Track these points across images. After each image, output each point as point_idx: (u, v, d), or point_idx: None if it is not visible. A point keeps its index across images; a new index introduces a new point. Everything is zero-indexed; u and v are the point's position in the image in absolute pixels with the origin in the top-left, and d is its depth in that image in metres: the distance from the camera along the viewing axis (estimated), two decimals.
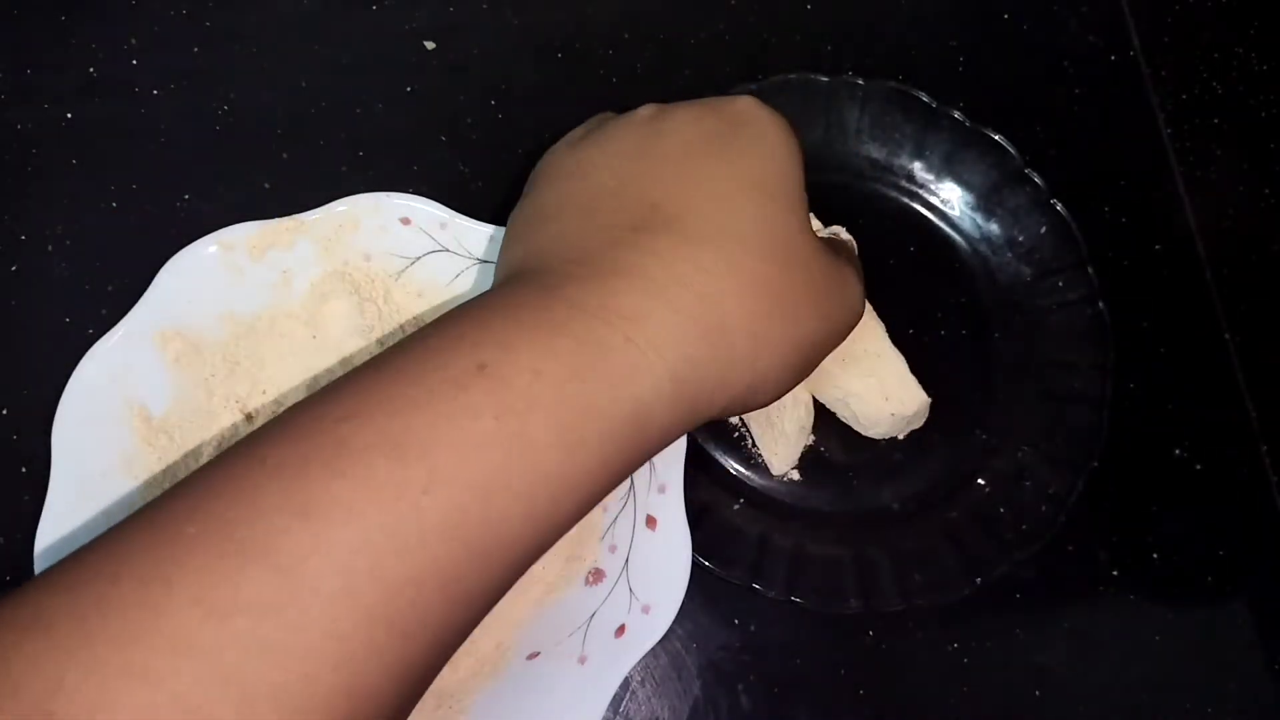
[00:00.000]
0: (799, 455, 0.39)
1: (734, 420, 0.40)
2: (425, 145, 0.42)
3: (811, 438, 0.39)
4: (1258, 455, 0.42)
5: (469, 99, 0.42)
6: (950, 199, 0.42)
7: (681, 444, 0.35)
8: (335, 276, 0.36)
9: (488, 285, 0.36)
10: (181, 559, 0.20)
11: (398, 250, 0.36)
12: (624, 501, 0.35)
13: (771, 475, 0.39)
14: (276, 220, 0.35)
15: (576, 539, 0.35)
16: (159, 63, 0.41)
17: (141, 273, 0.34)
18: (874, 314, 0.39)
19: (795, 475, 0.39)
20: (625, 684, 0.37)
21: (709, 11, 0.45)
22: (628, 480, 0.35)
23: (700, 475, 0.38)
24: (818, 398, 0.39)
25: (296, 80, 0.42)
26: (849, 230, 0.40)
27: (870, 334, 0.39)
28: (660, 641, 0.33)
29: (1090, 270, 0.40)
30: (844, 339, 0.30)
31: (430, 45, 0.43)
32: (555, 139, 0.33)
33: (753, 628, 0.38)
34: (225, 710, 0.19)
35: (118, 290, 0.38)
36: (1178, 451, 0.42)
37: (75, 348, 0.33)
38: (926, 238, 0.42)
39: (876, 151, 0.43)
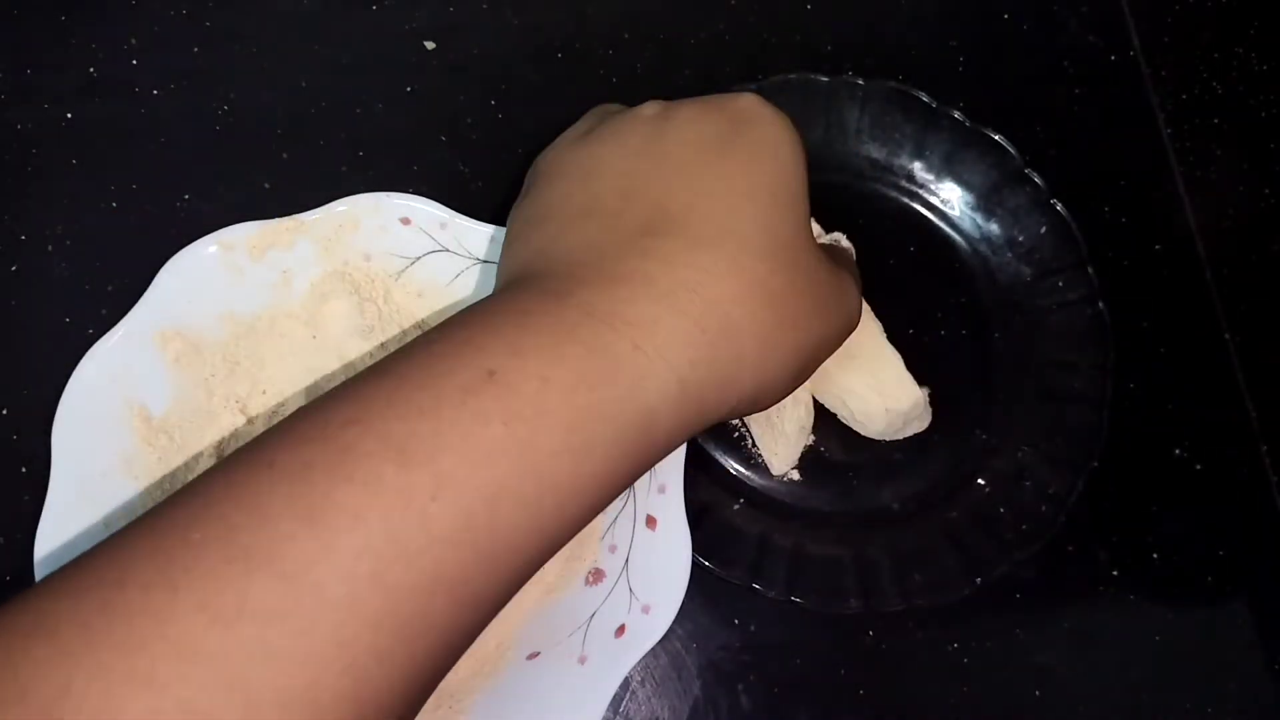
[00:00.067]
0: (799, 455, 0.39)
1: (734, 420, 0.40)
2: (425, 145, 0.42)
3: (811, 438, 0.39)
4: (1258, 455, 0.42)
5: (469, 99, 0.43)
6: (950, 199, 0.42)
7: (682, 444, 0.35)
8: (335, 276, 0.36)
9: (488, 285, 0.36)
10: (186, 565, 0.20)
11: (398, 250, 0.36)
12: (624, 501, 0.35)
13: (771, 475, 0.39)
14: (276, 220, 0.35)
15: (576, 538, 0.35)
16: (159, 63, 0.41)
17: (141, 273, 0.34)
18: (870, 312, 0.39)
19: (795, 475, 0.39)
20: (625, 684, 0.37)
21: (709, 11, 0.45)
22: None
23: (700, 475, 0.38)
24: (817, 397, 0.39)
25: (296, 80, 0.42)
26: (849, 230, 0.40)
27: (866, 332, 0.39)
28: (660, 641, 0.33)
29: (1090, 270, 0.40)
30: (841, 344, 0.30)
31: (430, 45, 0.43)
32: (555, 139, 0.33)
33: (753, 628, 0.38)
34: (231, 716, 0.19)
35: (118, 290, 0.38)
36: (1178, 451, 0.42)
37: (75, 348, 0.33)
38: (926, 238, 0.42)
39: (876, 151, 0.43)
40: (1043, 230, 0.41)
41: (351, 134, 0.41)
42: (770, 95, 0.41)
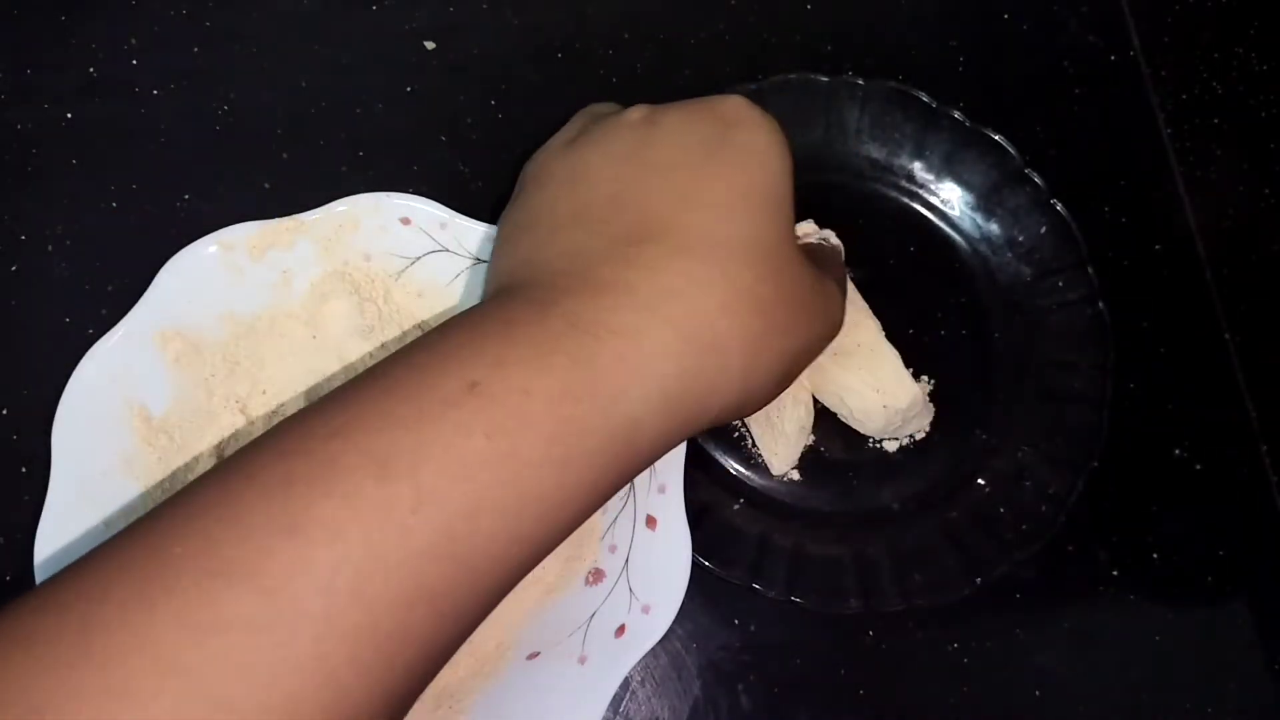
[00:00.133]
0: (799, 455, 0.39)
1: (731, 421, 0.40)
2: (425, 145, 0.42)
3: (811, 438, 0.39)
4: (1258, 455, 0.42)
5: (469, 99, 0.43)
6: (950, 199, 0.42)
7: (681, 444, 0.35)
8: (335, 276, 0.36)
9: None
10: (166, 579, 0.20)
11: (398, 250, 0.36)
12: (624, 501, 0.35)
13: (771, 475, 0.39)
14: (276, 220, 0.35)
15: (576, 539, 0.35)
16: (159, 63, 0.41)
17: (141, 273, 0.34)
18: (868, 309, 0.39)
19: (795, 475, 0.39)
20: (625, 684, 0.37)
21: (709, 11, 0.45)
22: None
23: (700, 475, 0.38)
24: (817, 396, 0.39)
25: (296, 80, 0.42)
26: (849, 230, 0.40)
27: (864, 329, 0.39)
28: (660, 641, 0.33)
29: (1090, 270, 0.40)
30: (823, 349, 0.30)
31: (430, 45, 0.43)
32: (546, 141, 0.33)
33: (753, 628, 0.38)
34: None
35: (118, 290, 0.38)
36: (1178, 451, 0.42)
37: (75, 348, 0.33)
38: (926, 238, 0.42)
39: (876, 151, 0.43)
40: (1043, 230, 0.41)
41: (351, 134, 0.41)
42: (770, 95, 0.42)
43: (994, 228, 0.42)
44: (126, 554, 0.21)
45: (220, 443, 0.35)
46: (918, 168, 0.43)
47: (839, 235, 0.40)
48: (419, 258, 0.36)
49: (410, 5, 0.43)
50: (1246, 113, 0.46)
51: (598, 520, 0.35)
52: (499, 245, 0.30)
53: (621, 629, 0.34)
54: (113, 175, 0.40)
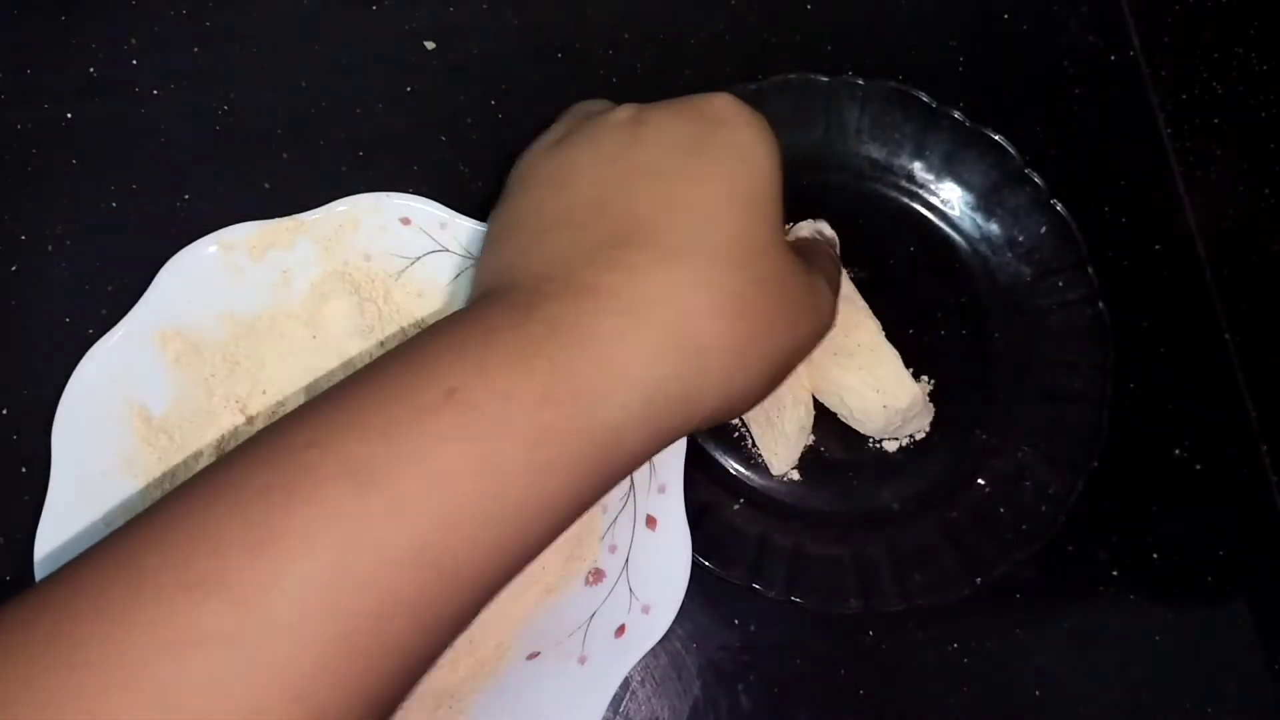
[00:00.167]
0: (799, 455, 0.39)
1: (734, 420, 0.40)
2: (425, 145, 0.42)
3: (811, 438, 0.39)
4: (1258, 455, 0.42)
5: (469, 99, 0.43)
6: (950, 199, 0.42)
7: (681, 444, 0.35)
8: (335, 276, 0.36)
9: None
10: (141, 592, 0.20)
11: (398, 250, 0.36)
12: (624, 501, 0.35)
13: (771, 475, 0.39)
14: (276, 220, 0.35)
15: (576, 539, 0.35)
16: (159, 63, 0.41)
17: (141, 273, 0.34)
18: (867, 309, 0.39)
19: (795, 475, 0.39)
20: (625, 684, 0.37)
21: (709, 11, 0.45)
22: (628, 480, 0.35)
23: (700, 475, 0.38)
24: (817, 396, 0.39)
25: (296, 80, 0.42)
26: (850, 230, 0.40)
27: (864, 329, 0.39)
28: (660, 641, 0.33)
29: (1090, 270, 0.40)
30: (813, 349, 0.29)
31: (430, 45, 0.43)
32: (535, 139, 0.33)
33: (753, 628, 0.38)
34: None
35: (118, 290, 0.38)
36: (1178, 451, 0.42)
37: (75, 348, 0.33)
38: (926, 238, 0.42)
39: (876, 151, 0.43)
40: (1043, 230, 0.41)
41: (351, 134, 0.41)
42: (770, 95, 0.42)
43: (994, 228, 0.42)
44: (101, 566, 0.21)
45: (220, 442, 0.35)
46: (918, 168, 0.43)
47: (839, 235, 0.40)
48: (419, 258, 0.36)
49: (410, 5, 0.43)
50: (1246, 113, 0.46)
51: (598, 520, 0.35)
52: (485, 246, 0.30)
53: (621, 629, 0.34)
54: (113, 175, 0.40)
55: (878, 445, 0.40)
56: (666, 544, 0.34)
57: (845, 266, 0.40)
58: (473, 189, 0.41)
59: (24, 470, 0.36)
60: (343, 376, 0.36)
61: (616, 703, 0.36)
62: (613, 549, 0.35)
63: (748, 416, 0.39)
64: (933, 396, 0.40)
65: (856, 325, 0.39)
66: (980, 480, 0.39)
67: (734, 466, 0.39)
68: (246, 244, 0.35)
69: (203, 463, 0.35)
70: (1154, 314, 0.43)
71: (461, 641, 0.34)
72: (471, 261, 0.36)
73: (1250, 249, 0.45)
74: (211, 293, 0.35)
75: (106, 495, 0.33)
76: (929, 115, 0.42)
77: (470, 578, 0.23)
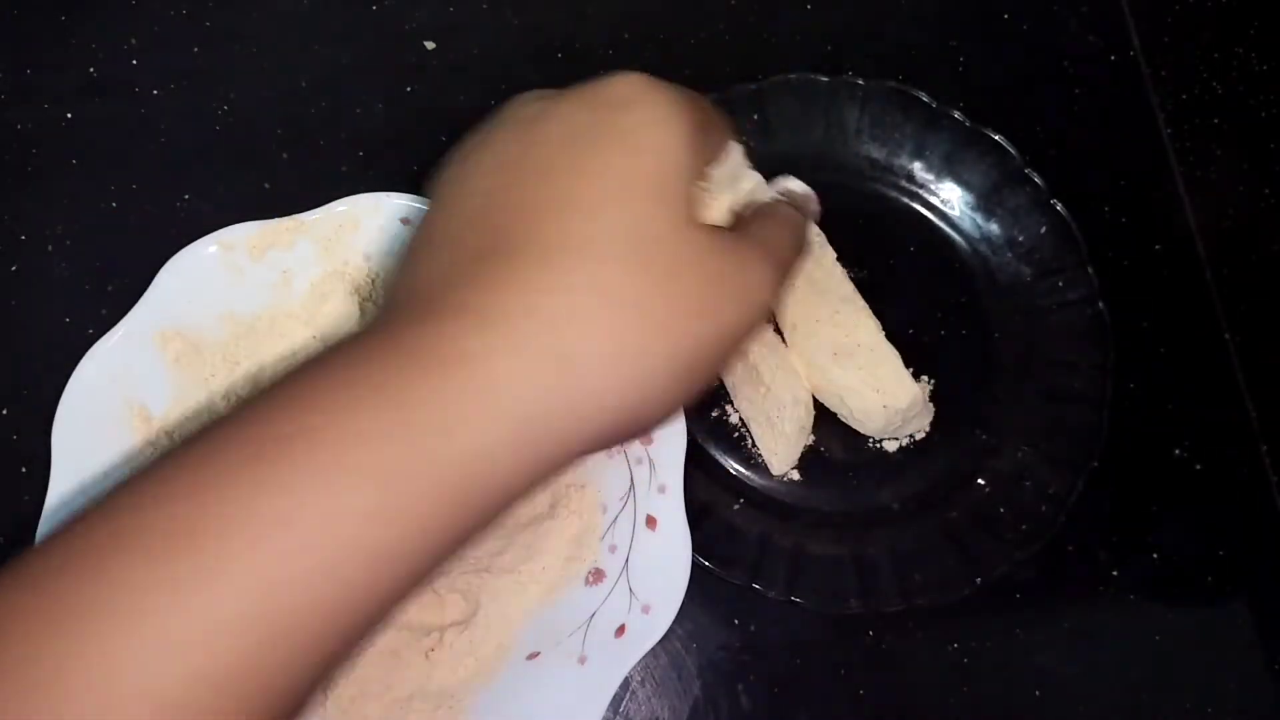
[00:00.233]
0: (799, 455, 0.39)
1: (734, 420, 0.40)
2: (425, 145, 0.42)
3: (811, 438, 0.39)
4: (1258, 455, 0.42)
5: (469, 99, 0.43)
6: (950, 199, 0.42)
7: (681, 444, 0.35)
8: (335, 276, 0.36)
9: None
10: None
11: (398, 250, 0.36)
12: (624, 501, 0.35)
13: (771, 475, 0.39)
14: (276, 220, 0.35)
15: (576, 539, 0.35)
16: (159, 63, 0.41)
17: (141, 273, 0.34)
18: (867, 309, 0.39)
19: (795, 475, 0.39)
20: (625, 684, 0.37)
21: (709, 11, 0.45)
22: (628, 480, 0.35)
23: (700, 475, 0.38)
24: (816, 396, 0.39)
25: (296, 80, 0.42)
26: (850, 230, 0.40)
27: (864, 328, 0.39)
28: (660, 641, 0.33)
29: (1090, 270, 0.40)
30: (748, 332, 0.26)
31: (430, 45, 0.43)
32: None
33: (753, 628, 0.38)
34: None
35: (118, 290, 0.38)
36: (1178, 451, 0.42)
37: (75, 348, 0.33)
38: (926, 238, 0.42)
39: (876, 151, 0.43)
40: (1043, 230, 0.41)
41: (351, 134, 0.41)
42: (770, 95, 0.42)
43: (994, 228, 0.42)
44: None
45: None
46: (918, 168, 0.43)
47: (839, 235, 0.40)
48: None
49: (410, 5, 0.43)
50: (1246, 113, 0.46)
51: (598, 520, 0.36)
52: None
53: (621, 629, 0.34)
54: (113, 175, 0.40)
55: (878, 445, 0.40)
56: (666, 544, 0.34)
57: (845, 266, 0.40)
58: None
59: (24, 470, 0.36)
60: None
61: (616, 703, 0.36)
62: (613, 549, 0.35)
63: (747, 416, 0.39)
64: (933, 396, 0.40)
65: (856, 325, 0.39)
66: (980, 480, 0.39)
67: (734, 466, 0.39)
68: (246, 244, 0.35)
69: None
70: (1154, 314, 0.43)
71: (462, 642, 0.34)
72: None
73: (1250, 249, 0.45)
74: (211, 293, 0.35)
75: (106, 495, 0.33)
76: (929, 115, 0.42)
77: (315, 637, 0.21)
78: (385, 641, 0.34)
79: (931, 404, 0.40)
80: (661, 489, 0.35)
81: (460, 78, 0.43)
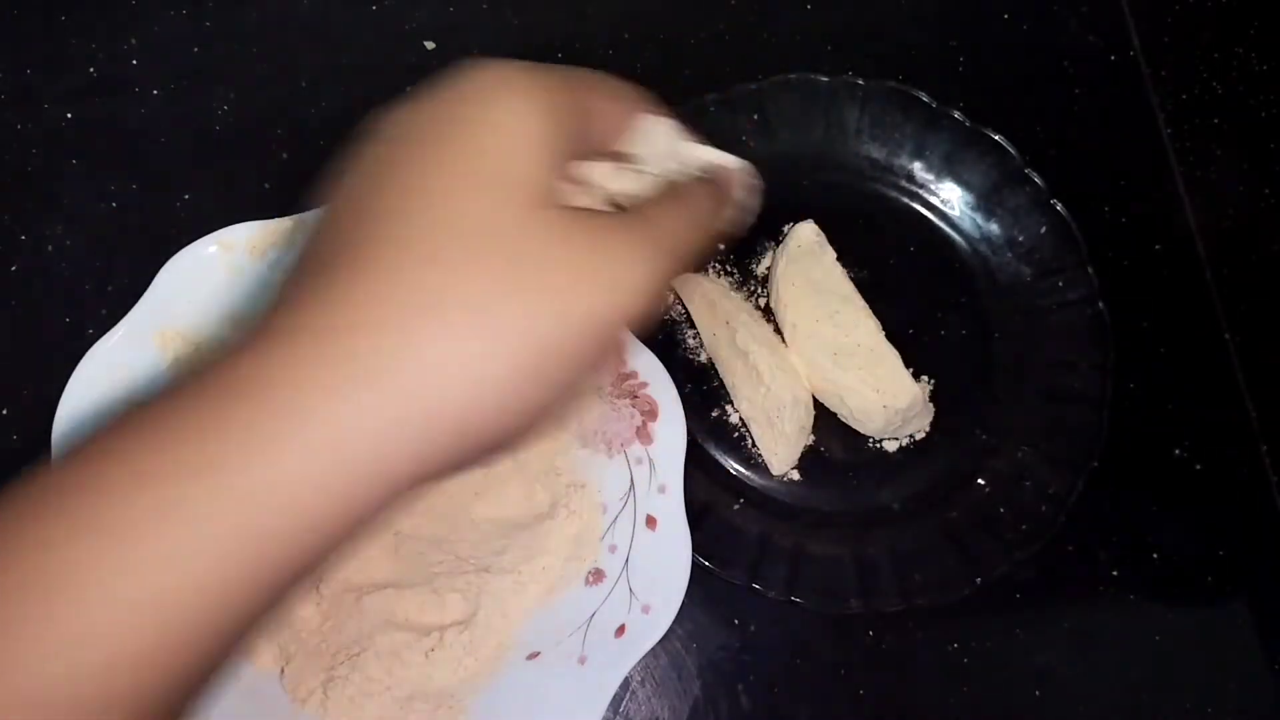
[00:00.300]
0: (799, 455, 0.39)
1: (734, 420, 0.40)
2: None
3: (811, 438, 0.39)
4: (1258, 455, 0.42)
5: None
6: (950, 199, 0.42)
7: (681, 444, 0.35)
8: None
9: None
10: None
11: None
12: (624, 501, 0.35)
13: (771, 475, 0.39)
14: (276, 220, 0.35)
15: (576, 539, 0.35)
16: (159, 63, 0.41)
17: (141, 273, 0.34)
18: (867, 309, 0.39)
19: (795, 475, 0.39)
20: (625, 684, 0.37)
21: (709, 11, 0.45)
22: (628, 480, 0.35)
23: (700, 475, 0.38)
24: (816, 396, 0.39)
25: (296, 80, 0.42)
26: (850, 230, 0.40)
27: (864, 329, 0.39)
28: (660, 641, 0.33)
29: (1090, 270, 0.40)
30: (620, 324, 0.23)
31: (430, 45, 0.43)
32: None
33: (753, 628, 0.38)
34: None
35: (118, 290, 0.38)
36: (1178, 451, 0.42)
37: (75, 348, 0.33)
38: (926, 238, 0.42)
39: (876, 151, 0.43)
40: (1043, 230, 0.41)
41: (352, 134, 0.41)
42: (770, 95, 0.42)
43: (994, 228, 0.42)
44: None
45: None
46: (918, 168, 0.43)
47: (839, 235, 0.40)
48: None
49: (410, 5, 0.43)
50: (1246, 113, 0.46)
51: (598, 520, 0.36)
52: None
53: (621, 629, 0.34)
54: (113, 175, 0.40)
55: (878, 445, 0.40)
56: (666, 544, 0.34)
57: (845, 266, 0.40)
58: None
59: (24, 470, 0.36)
60: None
61: (616, 703, 0.36)
62: (613, 549, 0.35)
63: (747, 417, 0.39)
64: (933, 396, 0.40)
65: (856, 325, 0.39)
66: (980, 480, 0.39)
67: (734, 466, 0.39)
68: (246, 244, 0.35)
69: None
70: (1154, 314, 0.43)
71: (462, 642, 0.34)
72: None
73: (1250, 249, 0.45)
74: (211, 293, 0.35)
75: None
76: (929, 115, 0.42)
77: (125, 686, 0.19)
78: (385, 641, 0.34)
79: (931, 404, 0.40)
80: (661, 489, 0.35)
81: None
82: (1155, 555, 0.40)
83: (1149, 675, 0.39)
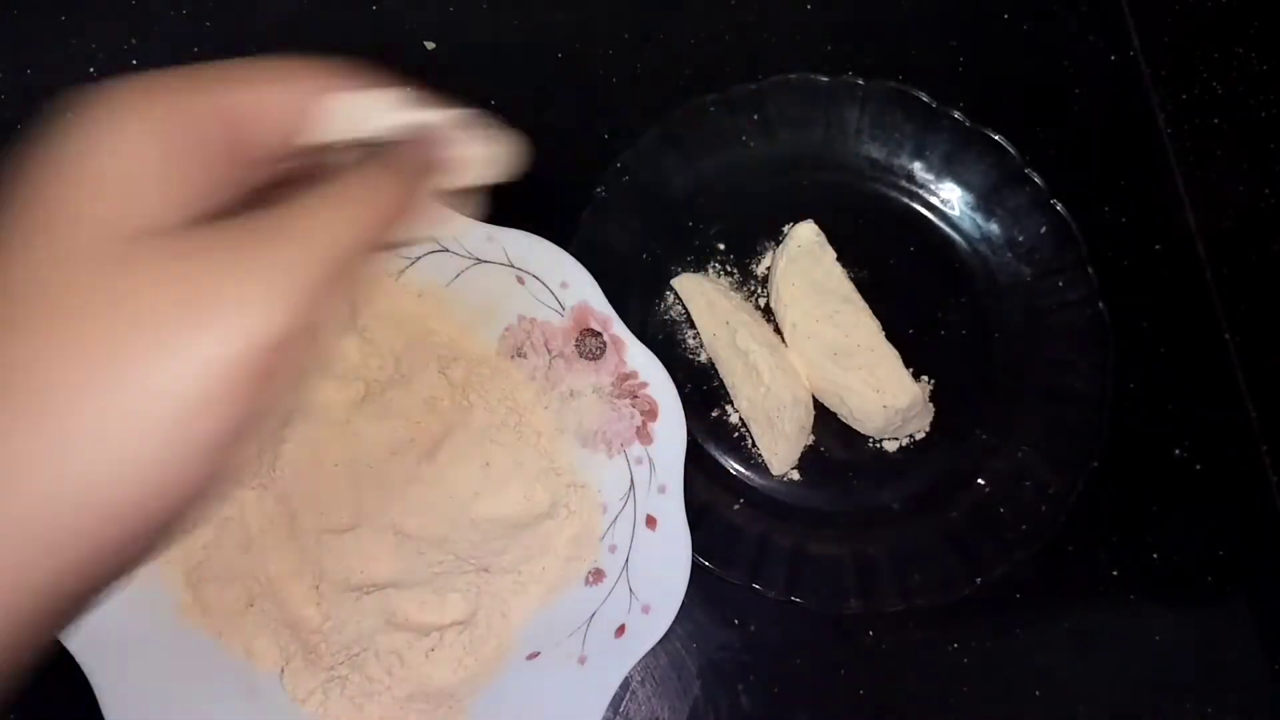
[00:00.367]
0: (799, 455, 0.39)
1: (734, 420, 0.40)
2: None
3: (811, 438, 0.39)
4: (1258, 455, 0.42)
5: (469, 99, 0.42)
6: (950, 199, 0.42)
7: (681, 444, 0.35)
8: None
9: (486, 285, 0.36)
10: None
11: (397, 250, 0.36)
12: (624, 501, 0.35)
13: (771, 475, 0.39)
14: None
15: (576, 539, 0.35)
16: (159, 63, 0.41)
17: None
18: (867, 309, 0.39)
19: (795, 475, 0.39)
20: (625, 684, 0.37)
21: (709, 11, 0.45)
22: (628, 480, 0.35)
23: (700, 475, 0.38)
24: (817, 396, 0.39)
25: None
26: (850, 230, 0.40)
27: (864, 328, 0.39)
28: (660, 641, 0.33)
29: (1090, 270, 0.40)
30: (262, 351, 0.19)
31: (430, 45, 0.43)
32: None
33: (753, 628, 0.38)
34: None
35: None
36: (1178, 451, 0.42)
37: None
38: (926, 238, 0.42)
39: (876, 151, 0.43)
40: (1043, 230, 0.41)
41: None
42: (770, 95, 0.42)
43: (994, 228, 0.42)
44: None
45: None
46: (918, 168, 0.43)
47: (839, 235, 0.40)
48: (419, 258, 0.36)
49: (410, 5, 0.43)
50: (1246, 113, 0.46)
51: (598, 520, 0.36)
52: None
53: (621, 629, 0.34)
54: None
55: (878, 445, 0.40)
56: (666, 544, 0.34)
57: (845, 266, 0.40)
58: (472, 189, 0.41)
59: None
60: (343, 376, 0.36)
61: (616, 703, 0.36)
62: (613, 549, 0.35)
63: (747, 417, 0.39)
64: (933, 396, 0.40)
65: (856, 325, 0.39)
66: (980, 480, 0.39)
67: (734, 466, 0.39)
68: None
69: None
70: (1154, 314, 0.43)
71: (462, 642, 0.34)
72: (472, 261, 0.36)
73: (1250, 249, 0.45)
74: None
75: None
76: (929, 115, 0.42)
77: None
78: (385, 641, 0.34)
79: (931, 404, 0.40)
80: (661, 489, 0.35)
81: (460, 78, 0.43)
82: (1155, 555, 0.40)
83: (1149, 675, 0.39)
